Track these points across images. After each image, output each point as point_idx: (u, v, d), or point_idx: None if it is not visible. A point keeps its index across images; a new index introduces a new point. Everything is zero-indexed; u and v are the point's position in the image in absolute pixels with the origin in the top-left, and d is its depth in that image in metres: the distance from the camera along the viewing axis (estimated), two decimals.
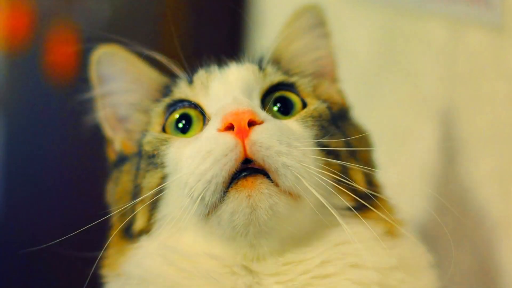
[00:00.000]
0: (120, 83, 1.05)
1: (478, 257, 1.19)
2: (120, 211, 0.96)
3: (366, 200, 0.93)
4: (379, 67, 1.46)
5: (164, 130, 0.97)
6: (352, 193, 0.92)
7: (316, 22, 1.05)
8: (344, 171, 0.93)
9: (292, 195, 0.88)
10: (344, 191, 0.92)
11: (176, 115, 0.97)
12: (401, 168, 1.34)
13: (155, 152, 0.95)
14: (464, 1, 1.21)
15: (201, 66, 1.02)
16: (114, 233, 0.97)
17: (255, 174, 0.87)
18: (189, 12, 1.85)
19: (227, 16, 1.87)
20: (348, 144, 0.96)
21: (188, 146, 0.92)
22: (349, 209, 0.93)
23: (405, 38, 1.38)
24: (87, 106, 1.05)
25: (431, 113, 1.30)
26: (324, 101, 1.00)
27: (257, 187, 0.86)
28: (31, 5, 2.13)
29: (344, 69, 1.09)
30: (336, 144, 0.94)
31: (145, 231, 0.95)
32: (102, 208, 1.00)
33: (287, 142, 0.88)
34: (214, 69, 1.01)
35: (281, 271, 0.90)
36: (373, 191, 0.95)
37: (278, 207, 0.87)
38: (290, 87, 0.99)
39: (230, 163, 0.86)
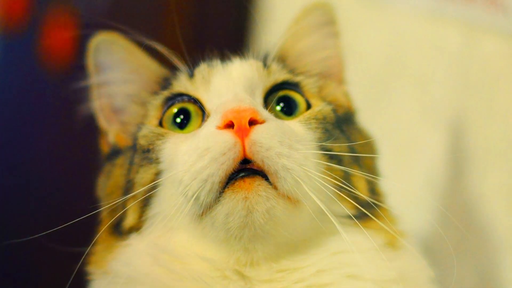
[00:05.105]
0: (118, 72, 1.03)
1: (481, 274, 1.18)
2: (110, 206, 0.94)
3: (367, 209, 0.91)
4: (389, 70, 1.45)
5: (161, 124, 0.95)
6: (353, 200, 0.90)
7: (326, 20, 1.04)
8: (346, 177, 0.91)
9: (290, 199, 0.86)
10: (345, 198, 0.90)
11: (175, 109, 0.95)
12: (406, 178, 1.34)
13: (150, 147, 0.93)
14: (480, 6, 1.20)
15: (203, 59, 1.00)
16: (103, 229, 0.95)
17: (253, 175, 0.84)
18: (193, 3, 1.84)
19: (232, 9, 1.87)
20: (352, 150, 0.94)
21: (185, 142, 0.90)
22: (349, 217, 0.91)
23: (417, 42, 1.39)
24: (82, 95, 1.03)
25: (440, 121, 1.30)
26: (330, 103, 0.98)
27: (255, 189, 0.84)
28: None
29: (352, 71, 1.07)
30: (340, 148, 0.92)
31: (136, 228, 0.93)
32: (92, 202, 0.98)
33: (289, 144, 0.86)
34: (217, 63, 0.99)
35: (274, 278, 0.88)
36: (375, 199, 0.94)
37: (276, 211, 0.85)
38: (295, 86, 0.97)
39: (228, 163, 0.84)
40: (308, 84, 0.98)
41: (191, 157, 0.86)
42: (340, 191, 0.89)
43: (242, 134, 0.84)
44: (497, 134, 1.18)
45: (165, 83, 0.99)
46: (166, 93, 0.97)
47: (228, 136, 0.84)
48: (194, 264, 0.88)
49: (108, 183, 0.99)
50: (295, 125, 0.92)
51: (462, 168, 1.22)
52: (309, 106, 0.95)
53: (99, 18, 1.07)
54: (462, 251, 1.15)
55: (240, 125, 0.84)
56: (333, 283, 0.88)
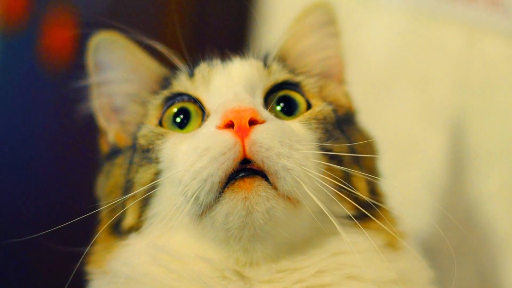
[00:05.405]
0: (118, 72, 1.02)
1: (482, 275, 1.18)
2: (109, 206, 0.93)
3: (367, 209, 0.90)
4: (389, 71, 1.45)
5: (160, 124, 0.95)
6: (353, 201, 0.90)
7: (326, 20, 1.04)
8: (347, 177, 0.91)
9: (290, 199, 0.85)
10: (345, 198, 0.90)
11: (174, 109, 0.94)
12: (406, 178, 1.34)
13: (150, 147, 0.93)
14: (481, 7, 1.19)
15: (203, 59, 1.00)
16: (102, 228, 0.95)
17: (253, 175, 0.84)
18: (193, 2, 1.83)
19: (233, 8, 1.86)
20: (352, 150, 0.94)
21: (185, 142, 0.90)
22: (349, 217, 0.91)
23: (418, 42, 1.38)
24: (82, 94, 1.03)
25: (441, 122, 1.30)
26: (330, 103, 0.98)
27: (255, 189, 0.83)
28: None
29: (353, 71, 1.07)
30: (340, 149, 0.91)
31: (135, 228, 0.93)
32: (91, 201, 0.98)
33: (289, 144, 0.85)
34: (217, 63, 0.98)
35: (274, 278, 0.88)
36: (376, 200, 0.93)
37: (275, 212, 0.84)
38: (295, 86, 0.97)
39: (227, 162, 0.83)
40: (309, 84, 0.98)
41: (190, 157, 0.86)
42: (340, 192, 0.89)
43: (242, 134, 0.84)
44: (497, 135, 1.18)
45: (165, 83, 0.99)
46: (166, 93, 0.96)
47: (228, 136, 0.84)
48: (194, 264, 0.88)
49: (107, 183, 0.99)
50: (296, 125, 0.92)
51: (462, 168, 1.22)
52: (309, 106, 0.95)
53: (99, 17, 1.06)
54: (462, 252, 1.15)
55: (240, 125, 0.84)
56: (333, 283, 0.87)
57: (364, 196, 0.92)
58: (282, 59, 1.00)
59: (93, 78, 1.02)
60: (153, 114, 0.97)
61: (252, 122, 0.84)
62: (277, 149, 0.84)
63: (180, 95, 0.95)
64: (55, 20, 1.95)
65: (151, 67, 1.02)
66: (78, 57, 1.05)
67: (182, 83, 0.96)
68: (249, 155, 0.83)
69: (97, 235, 0.94)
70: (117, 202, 0.92)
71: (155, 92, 0.99)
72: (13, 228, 1.81)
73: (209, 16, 1.85)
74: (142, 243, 0.91)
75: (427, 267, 0.93)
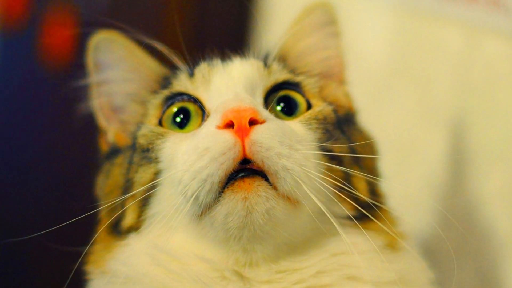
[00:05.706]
0: (118, 71, 1.02)
1: (482, 276, 1.17)
2: (109, 205, 0.93)
3: (367, 210, 0.90)
4: (390, 71, 1.45)
5: (160, 123, 0.95)
6: (353, 201, 0.90)
7: (327, 20, 1.04)
8: (347, 178, 0.91)
9: (290, 200, 0.85)
10: (345, 199, 0.89)
11: (174, 109, 0.94)
12: (407, 179, 1.33)
13: (150, 146, 0.93)
14: (482, 7, 1.19)
15: (204, 59, 0.99)
16: (102, 228, 0.94)
17: (253, 175, 0.84)
18: (194, 2, 1.83)
19: (233, 8, 1.86)
20: (352, 150, 0.93)
21: (184, 141, 0.90)
22: (349, 218, 0.90)
23: (419, 43, 1.37)
24: (82, 93, 1.03)
25: (441, 122, 1.29)
26: (330, 103, 0.98)
27: (254, 189, 0.83)
28: None
29: (353, 71, 1.06)
30: (340, 149, 0.91)
31: (134, 228, 0.93)
32: (90, 201, 0.98)
33: (289, 144, 0.85)
34: (217, 62, 0.98)
35: (274, 279, 0.87)
36: (376, 201, 0.93)
37: (275, 212, 0.84)
38: (296, 86, 0.96)
39: (227, 162, 0.83)
40: (309, 84, 0.98)
41: (190, 156, 0.85)
42: (340, 192, 0.88)
43: (242, 134, 0.83)
44: (498, 136, 1.17)
45: (165, 82, 0.99)
46: (166, 92, 0.96)
47: (228, 136, 0.84)
48: (193, 264, 0.88)
49: (107, 182, 0.99)
50: (296, 125, 0.91)
51: (463, 169, 1.21)
52: (309, 106, 0.95)
53: (99, 17, 1.07)
54: (462, 253, 1.15)
55: (240, 125, 0.84)
56: (333, 284, 0.87)
57: (364, 197, 0.92)
58: (282, 59, 1.00)
59: (93, 78, 1.02)
60: (153, 113, 0.96)
61: (252, 122, 0.84)
62: (277, 149, 0.84)
63: (180, 95, 0.95)
64: (55, 19, 1.95)
65: (151, 67, 1.02)
66: (78, 57, 1.04)
67: (182, 83, 0.96)
68: (249, 155, 0.83)
69: (97, 234, 0.93)
70: (117, 201, 0.92)
71: (155, 92, 0.99)
72: (13, 228, 1.81)
73: (209, 16, 1.85)
74: (141, 243, 0.91)
75: (427, 268, 0.93)
